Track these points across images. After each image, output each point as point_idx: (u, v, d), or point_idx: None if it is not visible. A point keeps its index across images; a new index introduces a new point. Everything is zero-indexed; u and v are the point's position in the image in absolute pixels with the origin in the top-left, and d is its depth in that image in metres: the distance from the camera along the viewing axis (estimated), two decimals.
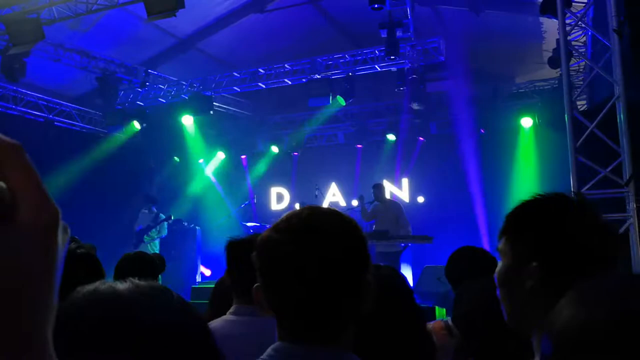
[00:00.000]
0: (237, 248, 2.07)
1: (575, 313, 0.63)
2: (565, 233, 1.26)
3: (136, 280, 0.65)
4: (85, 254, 2.01)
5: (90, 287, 0.64)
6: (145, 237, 9.50)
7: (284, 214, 1.17)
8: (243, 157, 12.99)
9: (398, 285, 1.78)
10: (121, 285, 0.64)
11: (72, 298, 0.63)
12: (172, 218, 10.30)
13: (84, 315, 0.60)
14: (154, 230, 9.61)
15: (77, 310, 0.61)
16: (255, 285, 1.14)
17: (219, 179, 12.90)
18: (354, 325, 1.12)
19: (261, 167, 13.02)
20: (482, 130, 10.97)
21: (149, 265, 3.21)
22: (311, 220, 1.11)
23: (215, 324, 1.95)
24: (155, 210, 9.82)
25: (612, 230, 1.32)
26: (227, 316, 2.01)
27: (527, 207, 1.32)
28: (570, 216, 1.28)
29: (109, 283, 0.65)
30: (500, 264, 1.31)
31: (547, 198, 1.34)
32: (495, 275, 1.30)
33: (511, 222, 1.32)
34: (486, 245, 8.96)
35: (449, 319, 2.39)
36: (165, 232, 9.82)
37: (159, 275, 3.34)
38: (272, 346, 1.11)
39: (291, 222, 1.12)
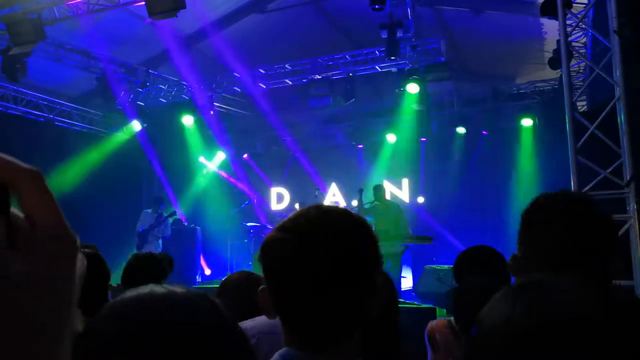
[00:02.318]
0: None
1: (501, 312, 0.66)
2: (539, 233, 1.36)
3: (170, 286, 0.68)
4: (92, 254, 2.02)
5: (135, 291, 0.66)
6: (149, 236, 9.51)
7: (291, 214, 1.12)
8: (245, 155, 12.98)
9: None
10: (163, 289, 0.66)
11: (122, 301, 0.65)
12: (176, 214, 10.32)
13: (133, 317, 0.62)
14: (157, 229, 9.62)
15: (126, 312, 0.63)
16: (261, 287, 1.09)
17: (219, 179, 12.90)
18: (362, 328, 1.07)
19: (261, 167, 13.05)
20: (485, 132, 10.98)
21: (158, 266, 3.20)
22: (319, 220, 1.06)
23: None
24: (161, 209, 9.84)
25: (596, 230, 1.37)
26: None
27: (530, 204, 1.42)
28: (553, 217, 1.37)
29: (151, 287, 0.67)
30: None
31: (543, 198, 1.44)
32: None
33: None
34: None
35: (451, 317, 2.41)
36: (169, 232, 9.82)
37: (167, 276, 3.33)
38: (278, 352, 1.06)
39: (298, 222, 1.07)
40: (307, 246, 1.03)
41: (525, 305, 0.64)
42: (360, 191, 8.59)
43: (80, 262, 0.44)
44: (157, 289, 0.66)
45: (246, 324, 1.89)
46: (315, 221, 1.06)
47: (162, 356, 0.59)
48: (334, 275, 1.02)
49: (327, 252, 1.02)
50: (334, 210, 1.11)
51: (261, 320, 1.92)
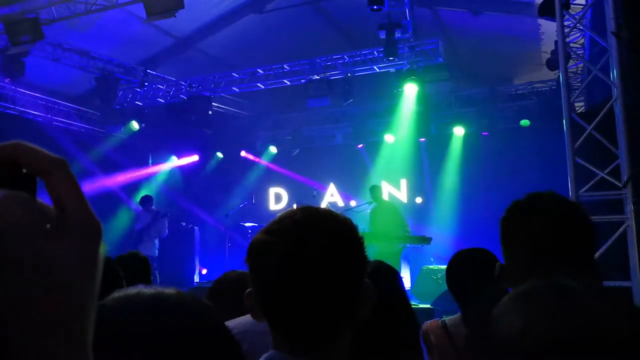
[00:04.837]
0: None
1: (514, 320, 0.63)
2: (512, 242, 1.39)
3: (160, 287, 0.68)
4: (105, 258, 2.02)
5: (122, 293, 0.67)
6: (144, 235, 9.49)
7: (277, 215, 1.10)
8: (242, 153, 12.95)
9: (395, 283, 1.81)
10: (152, 290, 0.67)
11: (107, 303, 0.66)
12: (168, 215, 10.29)
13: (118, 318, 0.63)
14: (153, 228, 9.60)
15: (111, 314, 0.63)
16: (247, 290, 1.08)
17: (218, 178, 12.88)
18: (351, 332, 1.06)
19: (260, 166, 13.04)
20: (485, 133, 10.99)
21: (143, 264, 3.20)
22: (305, 222, 1.04)
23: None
24: (154, 208, 9.81)
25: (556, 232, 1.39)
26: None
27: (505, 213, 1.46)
28: (516, 223, 1.41)
29: (137, 289, 0.67)
30: None
31: (513, 205, 1.48)
32: None
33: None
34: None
35: (445, 318, 2.41)
36: (166, 232, 9.79)
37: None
38: (264, 355, 1.05)
39: (284, 224, 1.05)
40: (292, 249, 1.01)
41: (538, 315, 0.62)
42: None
43: (103, 249, 0.45)
44: (146, 290, 0.66)
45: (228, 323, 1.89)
46: (301, 224, 1.04)
47: (147, 357, 0.59)
48: (321, 278, 1.00)
49: (313, 255, 1.01)
50: (320, 212, 1.10)
51: (245, 318, 1.92)
